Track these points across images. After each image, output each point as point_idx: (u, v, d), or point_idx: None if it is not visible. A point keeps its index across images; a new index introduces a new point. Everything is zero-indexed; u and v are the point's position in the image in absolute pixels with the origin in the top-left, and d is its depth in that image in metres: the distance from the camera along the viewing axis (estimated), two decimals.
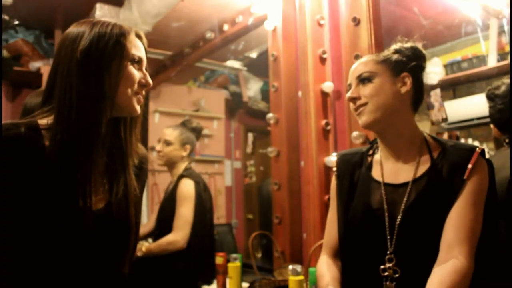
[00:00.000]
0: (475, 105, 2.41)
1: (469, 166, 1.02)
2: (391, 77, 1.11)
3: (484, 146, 1.12)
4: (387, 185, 1.11)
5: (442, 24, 2.51)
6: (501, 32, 2.38)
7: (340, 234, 1.17)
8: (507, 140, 1.49)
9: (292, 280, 1.49)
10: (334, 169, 1.23)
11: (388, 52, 1.15)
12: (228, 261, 1.84)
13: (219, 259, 1.89)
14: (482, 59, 2.47)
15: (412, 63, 1.13)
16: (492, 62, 2.38)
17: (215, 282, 1.97)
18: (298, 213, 2.02)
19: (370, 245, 1.08)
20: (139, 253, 2.02)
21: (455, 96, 2.58)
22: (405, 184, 1.08)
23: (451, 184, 1.03)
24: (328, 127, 1.88)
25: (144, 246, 2.07)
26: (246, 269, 1.92)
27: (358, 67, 1.15)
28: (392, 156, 1.13)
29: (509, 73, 1.97)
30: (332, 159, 1.84)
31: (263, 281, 1.72)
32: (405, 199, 1.06)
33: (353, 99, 1.13)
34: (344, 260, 1.16)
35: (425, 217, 1.03)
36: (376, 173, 1.15)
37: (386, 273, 1.03)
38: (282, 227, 2.02)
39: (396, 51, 1.15)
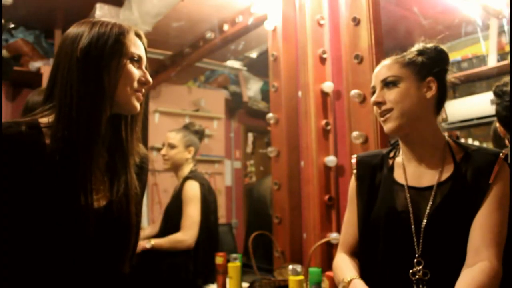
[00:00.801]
0: (475, 105, 2.41)
1: (495, 170, 1.03)
2: (416, 82, 1.10)
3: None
4: (410, 188, 1.11)
5: (442, 24, 2.51)
6: (501, 32, 2.39)
7: (360, 236, 1.17)
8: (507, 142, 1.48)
9: (292, 280, 1.49)
10: (354, 171, 1.22)
11: (412, 54, 1.13)
12: (228, 261, 1.84)
13: (219, 259, 1.89)
14: (482, 59, 2.47)
15: (437, 68, 1.11)
16: (492, 62, 2.38)
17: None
18: (298, 213, 2.02)
19: (397, 248, 1.08)
20: (147, 245, 2.05)
21: (455, 96, 2.58)
22: (429, 188, 1.08)
23: (476, 188, 1.03)
24: (328, 127, 1.88)
25: (152, 240, 2.09)
26: (246, 269, 1.92)
27: (382, 70, 1.13)
28: (415, 159, 1.13)
29: (509, 73, 1.96)
30: (332, 159, 1.84)
31: (263, 281, 1.72)
32: (430, 202, 1.06)
33: (378, 104, 1.11)
34: (365, 261, 1.15)
35: (451, 220, 1.03)
36: (398, 176, 1.14)
37: (416, 276, 1.03)
38: (282, 227, 2.02)
39: (420, 53, 1.12)
